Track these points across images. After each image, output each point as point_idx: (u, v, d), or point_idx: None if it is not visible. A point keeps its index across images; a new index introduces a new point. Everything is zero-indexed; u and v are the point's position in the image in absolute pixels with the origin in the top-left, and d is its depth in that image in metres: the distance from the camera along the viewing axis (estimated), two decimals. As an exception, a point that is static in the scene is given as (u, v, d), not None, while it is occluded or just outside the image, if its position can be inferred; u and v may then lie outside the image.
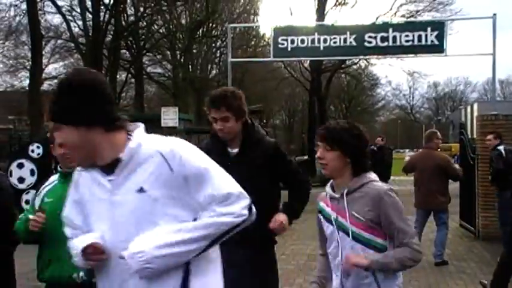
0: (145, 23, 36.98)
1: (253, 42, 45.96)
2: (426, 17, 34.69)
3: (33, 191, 12.60)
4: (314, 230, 12.85)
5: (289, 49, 13.44)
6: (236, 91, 4.19)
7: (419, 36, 12.90)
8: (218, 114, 4.09)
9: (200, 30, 40.72)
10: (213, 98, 4.14)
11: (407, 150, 74.88)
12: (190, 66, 42.91)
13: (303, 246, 11.30)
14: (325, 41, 13.21)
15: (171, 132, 18.40)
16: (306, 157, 35.34)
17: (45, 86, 36.66)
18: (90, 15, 30.53)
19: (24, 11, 27.43)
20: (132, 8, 35.97)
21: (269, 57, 16.42)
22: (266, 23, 51.84)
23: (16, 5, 28.71)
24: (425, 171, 9.57)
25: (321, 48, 13.34)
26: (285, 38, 13.39)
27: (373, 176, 3.38)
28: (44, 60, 36.12)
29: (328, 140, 3.34)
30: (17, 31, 31.90)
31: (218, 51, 46.06)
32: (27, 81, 27.35)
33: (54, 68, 44.20)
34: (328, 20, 32.05)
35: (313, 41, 13.30)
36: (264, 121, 56.60)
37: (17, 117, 42.53)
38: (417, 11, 36.36)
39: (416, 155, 11.17)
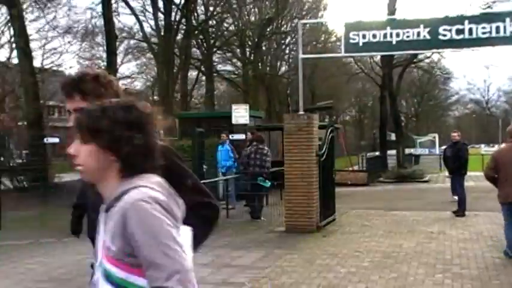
0: (215, 22, 37.36)
1: (322, 38, 45.71)
2: (503, 7, 33.60)
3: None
4: (387, 227, 12.62)
5: (360, 44, 13.24)
6: (102, 73, 2.80)
7: (497, 28, 12.46)
8: (71, 104, 2.79)
9: (270, 27, 40.79)
10: (64, 82, 2.91)
11: (482, 145, 72.77)
12: (260, 63, 43.08)
13: (376, 243, 11.15)
14: (397, 35, 12.96)
15: (242, 129, 18.49)
16: (377, 153, 34.88)
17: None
18: (162, 15, 31.07)
19: (99, 13, 28.16)
20: (203, 7, 36.41)
21: (339, 52, 16.22)
22: (336, 18, 51.39)
23: (92, 8, 29.55)
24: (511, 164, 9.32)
25: (394, 42, 13.09)
26: (356, 33, 13.21)
27: (145, 180, 2.09)
28: (118, 60, 37.01)
29: (82, 128, 2.13)
30: (92, 33, 32.83)
31: (287, 48, 46.05)
32: (102, 81, 27.99)
33: (127, 68, 45.19)
34: (399, 14, 31.48)
35: (385, 35, 13.07)
36: (334, 117, 56.26)
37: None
38: (493, 1, 35.24)
39: (500, 150, 10.79)
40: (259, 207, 14.77)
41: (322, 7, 45.79)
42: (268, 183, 14.89)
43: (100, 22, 28.72)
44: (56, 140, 19.97)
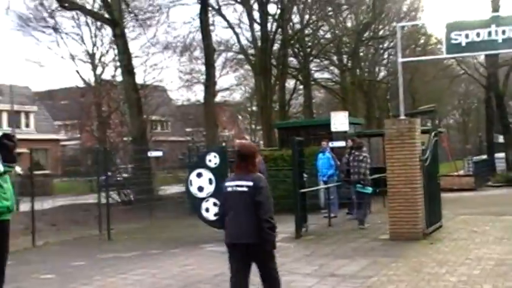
0: (311, 30, 37.25)
1: (422, 41, 44.64)
2: None
3: (212, 199, 13.10)
4: (499, 233, 12.00)
5: (463, 44, 12.74)
6: None
7: None
8: None
9: (367, 33, 40.26)
10: None
11: None
12: (357, 70, 42.61)
13: (487, 250, 10.63)
14: (503, 32, 12.34)
15: (342, 136, 18.24)
16: (484, 157, 33.55)
17: (218, 97, 38.28)
18: (258, 27, 31.32)
19: (196, 28, 28.74)
20: (298, 16, 36.39)
21: (440, 55, 15.68)
22: (435, 19, 50.15)
23: (190, 22, 30.24)
24: None
25: (499, 40, 12.48)
26: (458, 33, 12.70)
27: None
28: (216, 73, 37.63)
29: None
30: (191, 47, 33.60)
31: (386, 52, 45.30)
32: (202, 95, 28.64)
33: (225, 80, 45.89)
34: (503, 11, 30.22)
35: (489, 33, 12.49)
36: (437, 121, 54.80)
37: (193, 129, 44.81)
38: None
39: None
40: (362, 215, 14.48)
41: (420, 9, 44.80)
42: (368, 190, 14.55)
43: (198, 36, 29.31)
44: (159, 153, 20.52)
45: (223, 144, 15.39)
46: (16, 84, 39.98)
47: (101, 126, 38.15)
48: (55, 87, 42.44)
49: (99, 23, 34.46)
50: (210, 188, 13.31)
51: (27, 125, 50.91)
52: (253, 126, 59.84)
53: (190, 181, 13.54)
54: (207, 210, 13.34)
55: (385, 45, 43.79)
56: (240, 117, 61.50)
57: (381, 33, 41.88)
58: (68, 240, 14.89)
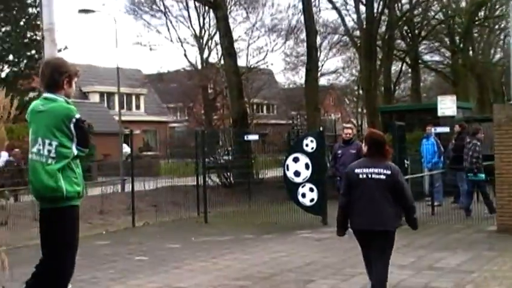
0: (420, 10, 35.92)
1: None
2: None
3: (309, 184, 12.79)
4: None
5: None
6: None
7: None
8: None
9: (482, 12, 38.37)
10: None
11: None
12: (471, 51, 40.77)
13: None
14: None
15: (449, 122, 17.37)
16: None
17: (322, 80, 37.77)
18: (363, 8, 30.54)
19: (301, 10, 28.38)
20: (407, -4, 35.21)
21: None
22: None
23: (294, 5, 29.97)
24: None
25: None
26: None
27: None
28: (322, 56, 37.12)
29: None
30: (296, 29, 33.33)
31: (502, 33, 43.05)
32: (306, 78, 28.23)
33: (332, 63, 45.40)
34: None
35: None
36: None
37: (297, 112, 44.64)
38: None
39: None
40: (488, 203, 13.43)
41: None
42: (481, 176, 13.54)
43: (303, 19, 28.95)
44: (256, 137, 20.43)
45: (321, 128, 14.98)
46: (128, 67, 41.30)
47: (206, 109, 38.71)
48: (164, 71, 43.23)
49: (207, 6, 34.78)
50: (306, 173, 13.04)
51: (137, 107, 52.60)
52: (359, 109, 58.85)
53: (287, 166, 13.31)
54: (303, 195, 13.09)
55: (502, 25, 41.59)
56: (346, 100, 60.66)
57: (497, 12, 39.76)
58: (166, 222, 15.08)
